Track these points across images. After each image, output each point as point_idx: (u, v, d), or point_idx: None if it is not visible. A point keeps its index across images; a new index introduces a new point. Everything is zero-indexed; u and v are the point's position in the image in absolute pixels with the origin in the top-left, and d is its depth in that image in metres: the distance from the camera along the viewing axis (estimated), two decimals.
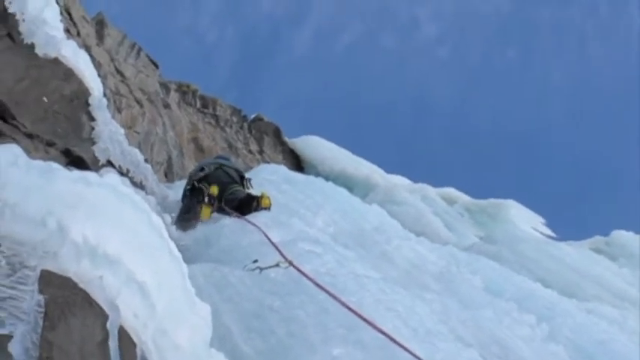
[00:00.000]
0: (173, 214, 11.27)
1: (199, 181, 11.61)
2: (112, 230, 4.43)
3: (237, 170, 12.34)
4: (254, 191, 11.84)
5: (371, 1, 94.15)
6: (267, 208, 10.87)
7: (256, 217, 9.68)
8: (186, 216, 11.18)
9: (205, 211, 10.82)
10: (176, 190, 12.42)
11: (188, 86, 21.14)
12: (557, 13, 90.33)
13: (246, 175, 12.48)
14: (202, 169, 12.06)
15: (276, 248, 7.63)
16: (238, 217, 9.88)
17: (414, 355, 5.49)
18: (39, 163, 4.65)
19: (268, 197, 11.09)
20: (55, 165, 4.75)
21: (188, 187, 11.76)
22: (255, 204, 10.94)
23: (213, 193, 11.03)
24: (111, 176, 5.10)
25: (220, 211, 10.95)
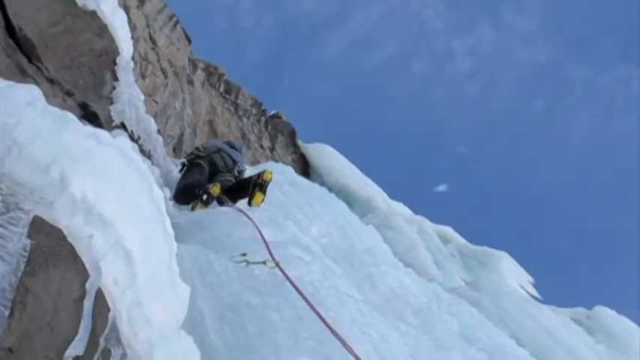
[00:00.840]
0: (173, 189, 11.25)
1: (195, 159, 11.62)
2: (112, 192, 4.41)
3: (233, 160, 12.23)
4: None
5: (411, 23, 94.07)
6: (267, 183, 10.87)
7: (253, 212, 9.66)
8: (184, 194, 11.17)
9: (199, 208, 10.77)
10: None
11: (216, 68, 21.14)
12: (590, 77, 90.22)
13: (244, 168, 12.40)
14: (202, 149, 12.03)
15: (267, 246, 7.62)
16: (236, 209, 9.84)
17: None
18: (56, 110, 4.64)
19: (270, 172, 11.08)
20: (71, 116, 4.73)
21: (185, 160, 11.77)
22: (256, 177, 10.93)
23: (214, 193, 10.92)
24: (123, 139, 5.08)
25: (219, 202, 10.91)
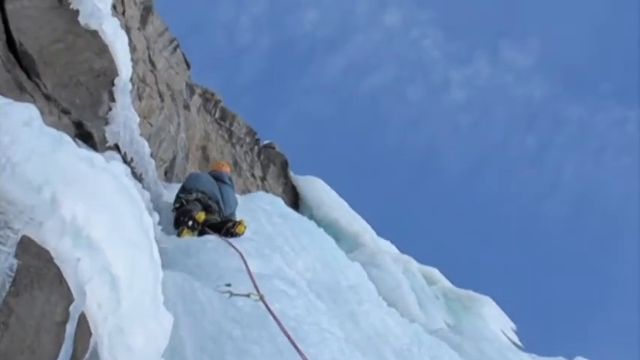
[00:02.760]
0: (162, 214, 11.19)
1: (187, 201, 11.57)
2: (102, 217, 4.42)
3: (221, 194, 12.19)
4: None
5: (410, 51, 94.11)
6: (239, 235, 10.83)
7: (240, 242, 9.63)
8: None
9: (186, 234, 10.75)
10: (171, 192, 12.34)
11: (212, 94, 21.15)
12: (584, 116, 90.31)
13: (233, 210, 12.36)
14: (192, 191, 11.89)
15: (252, 279, 7.60)
16: (223, 239, 9.81)
17: None
18: (52, 130, 4.65)
19: (245, 226, 11.06)
20: (67, 137, 4.75)
21: (176, 205, 11.67)
22: (230, 225, 10.91)
23: (199, 219, 10.96)
24: (116, 164, 5.10)
25: (202, 234, 10.86)
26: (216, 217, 11.62)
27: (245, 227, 11.01)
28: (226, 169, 13.01)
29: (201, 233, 10.85)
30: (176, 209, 11.55)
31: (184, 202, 11.54)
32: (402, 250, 23.30)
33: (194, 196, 11.72)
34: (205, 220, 11.11)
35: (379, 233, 23.60)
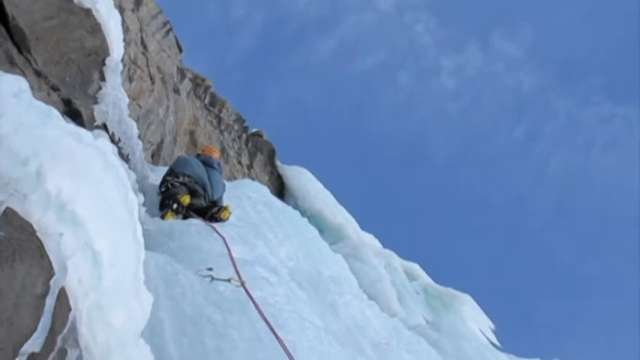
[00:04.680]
0: (147, 196, 11.15)
1: (173, 185, 11.49)
2: (88, 193, 4.40)
3: (209, 178, 12.12)
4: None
5: (402, 35, 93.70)
6: (223, 220, 10.83)
7: (224, 228, 9.62)
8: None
9: (170, 217, 10.70)
10: (157, 174, 12.29)
11: (203, 80, 21.15)
12: (573, 110, 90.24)
13: (221, 195, 12.32)
14: (180, 175, 11.82)
15: (234, 265, 7.60)
16: (207, 223, 9.79)
17: None
18: (41, 104, 4.63)
19: (230, 212, 11.05)
20: (56, 112, 4.73)
21: (162, 188, 11.59)
22: (215, 210, 10.90)
23: (184, 203, 10.90)
24: (103, 141, 5.08)
25: (186, 218, 10.81)
26: (202, 202, 11.58)
27: (230, 213, 10.99)
28: (216, 155, 12.97)
29: (185, 217, 10.81)
30: (162, 192, 11.50)
31: (170, 186, 11.48)
32: (385, 245, 23.42)
33: (181, 179, 11.66)
34: (190, 204, 11.07)
35: (363, 226, 23.68)
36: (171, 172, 11.87)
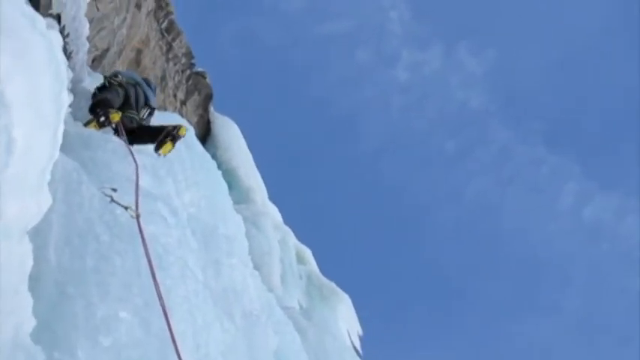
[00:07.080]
0: (76, 99, 10.95)
1: (110, 83, 11.35)
2: (23, 78, 4.32)
3: (146, 98, 12.04)
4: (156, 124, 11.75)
5: (375, 14, 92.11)
6: (182, 137, 11.11)
7: (140, 156, 9.51)
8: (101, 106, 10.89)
9: (92, 127, 10.50)
10: (93, 80, 12.12)
11: (167, 4, 20.85)
12: (508, 143, 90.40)
13: (155, 107, 12.29)
14: (122, 77, 11.75)
15: (136, 196, 7.53)
16: (126, 145, 9.64)
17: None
18: None
19: (187, 130, 11.41)
20: None
21: (99, 86, 11.45)
22: (171, 128, 11.00)
23: (113, 119, 10.60)
24: (55, 34, 5.00)
25: (115, 131, 10.65)
26: (133, 115, 11.44)
27: (187, 130, 11.15)
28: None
29: (116, 131, 10.62)
30: (98, 90, 11.31)
31: (108, 84, 11.31)
32: (286, 221, 23.48)
33: (120, 79, 11.55)
34: (121, 123, 10.80)
35: (271, 197, 23.74)
36: (113, 74, 11.81)
